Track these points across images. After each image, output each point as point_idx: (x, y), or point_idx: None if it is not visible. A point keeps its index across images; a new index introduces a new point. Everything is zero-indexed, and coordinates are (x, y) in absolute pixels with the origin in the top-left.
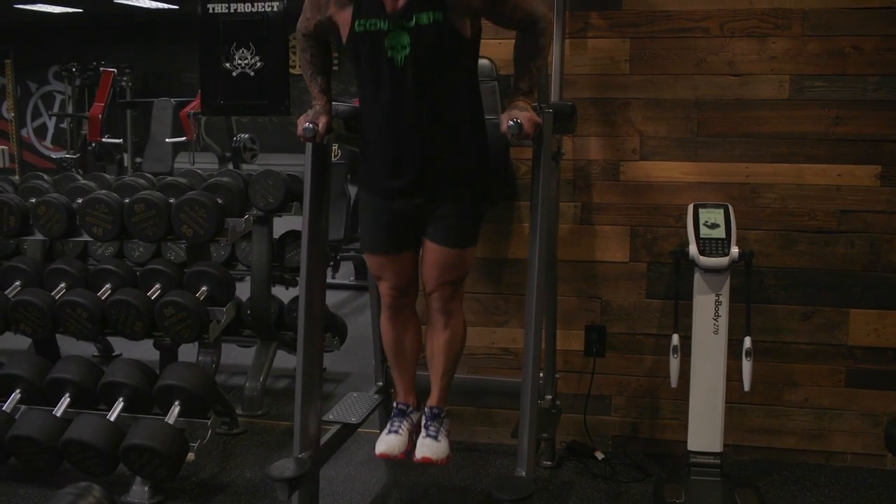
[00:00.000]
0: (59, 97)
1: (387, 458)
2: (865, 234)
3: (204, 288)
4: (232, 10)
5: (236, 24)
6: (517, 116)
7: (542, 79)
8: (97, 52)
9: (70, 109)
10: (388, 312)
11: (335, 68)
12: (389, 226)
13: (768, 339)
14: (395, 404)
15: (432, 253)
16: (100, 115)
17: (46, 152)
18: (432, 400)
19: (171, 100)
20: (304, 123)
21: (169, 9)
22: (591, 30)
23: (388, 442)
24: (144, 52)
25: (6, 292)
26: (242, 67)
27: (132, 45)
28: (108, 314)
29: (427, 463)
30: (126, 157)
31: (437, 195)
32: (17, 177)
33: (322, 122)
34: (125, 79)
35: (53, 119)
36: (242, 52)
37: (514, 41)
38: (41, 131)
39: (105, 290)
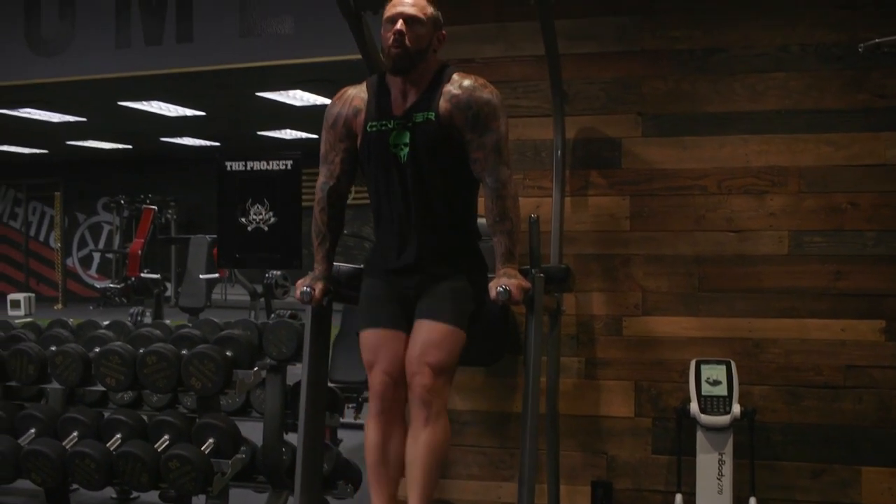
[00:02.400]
0: (106, 227)
1: None
2: (873, 390)
3: (211, 440)
4: (248, 168)
5: (252, 181)
6: (505, 284)
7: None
8: (145, 186)
9: (117, 239)
10: (375, 411)
11: None
12: (387, 301)
13: (778, 496)
14: None
15: (418, 328)
16: (139, 251)
17: (91, 281)
18: None
19: (207, 237)
20: (301, 287)
21: (211, 146)
22: (592, 188)
23: None
24: (189, 186)
25: (20, 440)
26: (257, 223)
27: (178, 179)
28: (116, 465)
29: None
30: (170, 286)
31: (433, 275)
32: (59, 305)
33: (318, 287)
34: (170, 211)
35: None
36: (257, 207)
37: None
38: (86, 261)
39: (115, 440)
